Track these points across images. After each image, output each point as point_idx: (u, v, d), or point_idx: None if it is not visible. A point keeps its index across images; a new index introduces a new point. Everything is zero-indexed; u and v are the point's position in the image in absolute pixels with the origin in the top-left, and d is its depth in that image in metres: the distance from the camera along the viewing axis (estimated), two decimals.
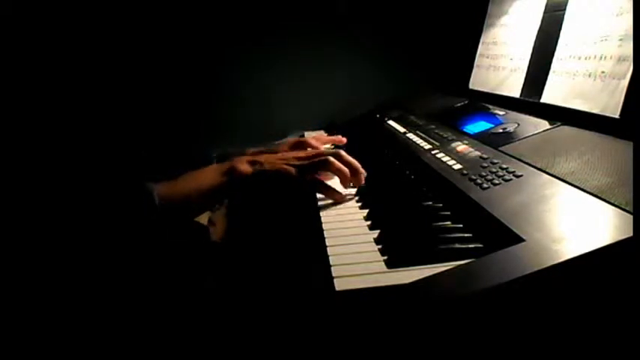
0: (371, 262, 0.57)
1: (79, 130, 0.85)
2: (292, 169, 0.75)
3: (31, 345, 0.63)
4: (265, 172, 0.75)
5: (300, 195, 0.80)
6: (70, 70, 0.94)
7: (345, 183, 0.79)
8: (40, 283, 0.64)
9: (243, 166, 0.75)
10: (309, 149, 0.86)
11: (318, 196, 0.81)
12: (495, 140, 0.80)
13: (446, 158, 0.82)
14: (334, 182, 0.80)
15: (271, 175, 0.75)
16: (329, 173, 0.80)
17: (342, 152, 0.79)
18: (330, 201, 0.79)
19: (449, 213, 0.68)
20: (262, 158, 0.77)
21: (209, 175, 0.75)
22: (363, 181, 0.80)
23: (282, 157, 0.77)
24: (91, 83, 0.99)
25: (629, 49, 0.71)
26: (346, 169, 0.77)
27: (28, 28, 0.87)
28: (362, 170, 0.80)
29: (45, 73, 0.88)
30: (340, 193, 0.78)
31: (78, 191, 0.69)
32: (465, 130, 0.92)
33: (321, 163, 0.76)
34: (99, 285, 0.66)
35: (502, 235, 0.53)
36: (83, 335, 0.65)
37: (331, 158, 0.76)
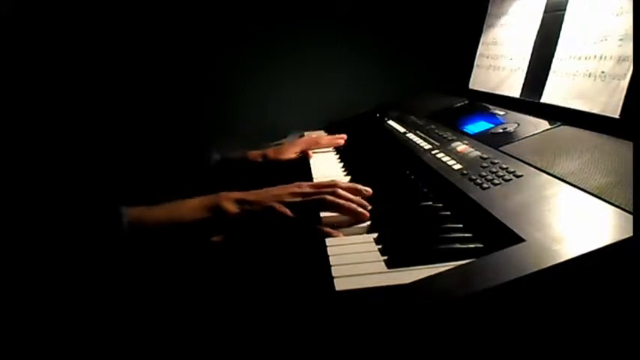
0: (371, 262, 0.57)
1: (67, 136, 0.84)
2: (286, 210, 0.70)
3: None
4: (255, 213, 0.70)
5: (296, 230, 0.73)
6: (70, 70, 0.94)
7: (351, 217, 0.71)
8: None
9: (230, 205, 0.70)
10: (304, 185, 0.76)
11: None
12: (495, 140, 0.80)
13: (446, 158, 0.82)
14: None
15: (263, 217, 0.70)
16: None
17: (339, 189, 0.72)
18: None
19: (449, 213, 0.68)
20: (253, 196, 0.72)
21: (192, 208, 0.71)
22: (367, 215, 0.71)
23: (275, 195, 0.72)
24: (90, 84, 0.98)
25: (629, 49, 0.71)
26: (346, 204, 0.70)
27: (28, 28, 0.87)
28: (363, 206, 0.72)
29: (44, 74, 0.88)
30: (339, 233, 0.68)
31: (44, 203, 0.67)
32: (465, 130, 0.92)
33: (317, 203, 0.71)
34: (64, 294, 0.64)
35: (502, 235, 0.53)
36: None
37: (328, 197, 0.70)
